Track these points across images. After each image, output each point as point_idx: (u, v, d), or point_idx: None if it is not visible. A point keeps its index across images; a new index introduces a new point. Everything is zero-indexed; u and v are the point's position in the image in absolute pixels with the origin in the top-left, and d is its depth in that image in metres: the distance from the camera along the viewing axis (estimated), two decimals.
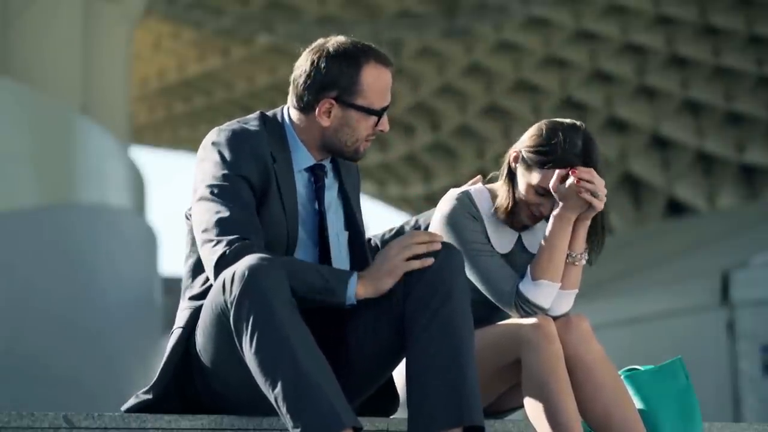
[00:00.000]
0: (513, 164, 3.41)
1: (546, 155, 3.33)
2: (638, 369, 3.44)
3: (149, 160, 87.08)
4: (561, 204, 3.30)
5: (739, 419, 13.63)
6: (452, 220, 3.39)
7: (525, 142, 3.39)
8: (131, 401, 3.08)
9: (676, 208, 27.28)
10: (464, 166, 29.53)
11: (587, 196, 3.27)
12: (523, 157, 3.37)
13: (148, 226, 16.99)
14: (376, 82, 3.13)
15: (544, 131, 3.36)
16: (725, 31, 24.72)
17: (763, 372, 14.04)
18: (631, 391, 3.36)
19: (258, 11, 26.49)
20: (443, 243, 3.04)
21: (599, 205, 3.30)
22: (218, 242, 2.97)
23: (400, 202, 33.60)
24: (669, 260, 19.13)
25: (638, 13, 25.11)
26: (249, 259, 2.86)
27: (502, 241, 3.44)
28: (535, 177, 3.34)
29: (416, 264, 2.98)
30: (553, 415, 3.13)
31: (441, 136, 29.65)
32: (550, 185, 3.31)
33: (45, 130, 14.56)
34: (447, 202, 3.44)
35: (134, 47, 20.82)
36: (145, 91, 30.13)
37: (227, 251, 2.95)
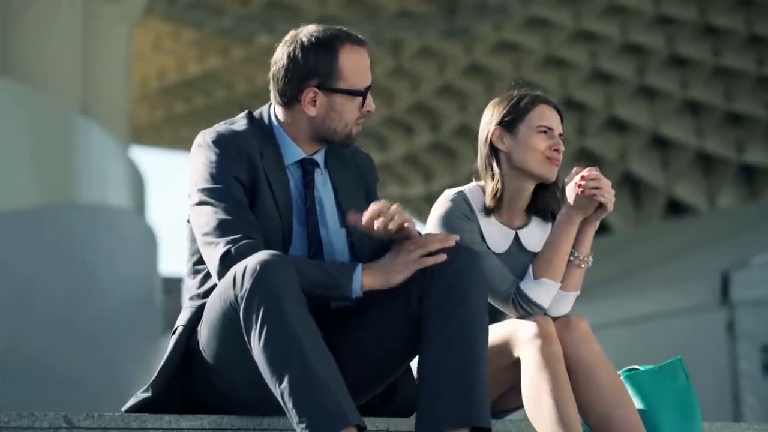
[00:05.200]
0: (499, 141, 3.41)
1: (525, 101, 3.41)
2: (638, 369, 3.43)
3: (149, 160, 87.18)
4: (569, 205, 3.31)
5: (739, 419, 13.64)
6: (447, 222, 3.38)
7: (495, 116, 3.43)
8: (131, 401, 3.08)
9: (676, 208, 27.29)
10: (464, 166, 29.51)
11: (600, 199, 3.28)
12: (506, 122, 3.40)
13: (148, 226, 16.99)
14: (354, 64, 3.14)
15: (506, 95, 3.44)
16: (725, 31, 24.73)
17: (763, 372, 14.05)
18: (630, 391, 3.36)
19: (258, 11, 26.51)
20: (463, 246, 3.04)
21: (610, 205, 3.31)
22: (221, 242, 2.98)
23: (400, 203, 33.59)
24: (669, 260, 19.13)
25: (638, 13, 25.12)
26: (260, 255, 2.87)
27: (499, 240, 3.43)
28: (531, 122, 3.38)
29: (430, 261, 2.98)
30: (552, 416, 3.12)
31: (441, 136, 29.65)
32: (566, 180, 3.33)
33: (45, 130, 14.57)
34: (441, 203, 3.43)
35: (134, 47, 20.82)
36: (145, 91, 30.13)
37: (231, 249, 2.96)
